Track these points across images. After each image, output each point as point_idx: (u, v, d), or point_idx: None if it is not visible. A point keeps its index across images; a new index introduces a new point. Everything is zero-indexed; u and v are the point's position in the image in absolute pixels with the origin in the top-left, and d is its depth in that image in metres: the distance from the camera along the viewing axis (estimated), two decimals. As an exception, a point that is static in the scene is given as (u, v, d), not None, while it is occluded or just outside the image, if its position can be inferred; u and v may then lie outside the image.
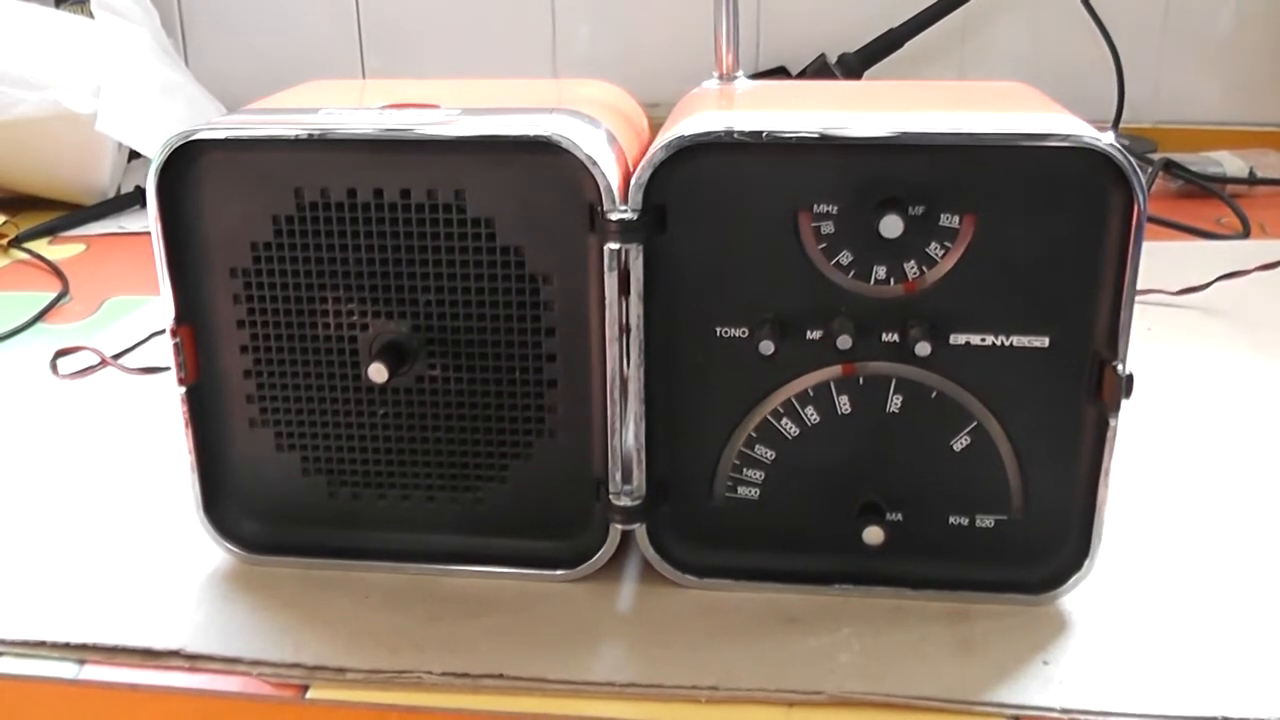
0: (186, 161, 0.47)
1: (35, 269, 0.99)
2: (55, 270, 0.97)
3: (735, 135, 0.44)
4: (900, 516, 0.48)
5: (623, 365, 0.47)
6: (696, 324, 0.47)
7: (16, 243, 1.04)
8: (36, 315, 0.85)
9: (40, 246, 1.04)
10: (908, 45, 1.23)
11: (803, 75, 1.26)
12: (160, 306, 0.48)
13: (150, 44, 1.19)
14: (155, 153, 0.46)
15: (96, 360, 0.75)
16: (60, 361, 0.75)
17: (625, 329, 0.46)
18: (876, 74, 1.25)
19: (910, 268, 0.45)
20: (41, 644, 0.47)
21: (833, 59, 1.25)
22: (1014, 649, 0.45)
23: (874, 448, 0.48)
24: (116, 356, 0.76)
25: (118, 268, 0.99)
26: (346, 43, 1.37)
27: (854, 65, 1.23)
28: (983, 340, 0.46)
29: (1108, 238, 0.43)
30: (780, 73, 1.29)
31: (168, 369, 0.49)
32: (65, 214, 1.12)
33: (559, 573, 0.50)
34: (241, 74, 1.37)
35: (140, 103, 1.12)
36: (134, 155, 1.21)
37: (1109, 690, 0.43)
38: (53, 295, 0.89)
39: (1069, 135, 0.42)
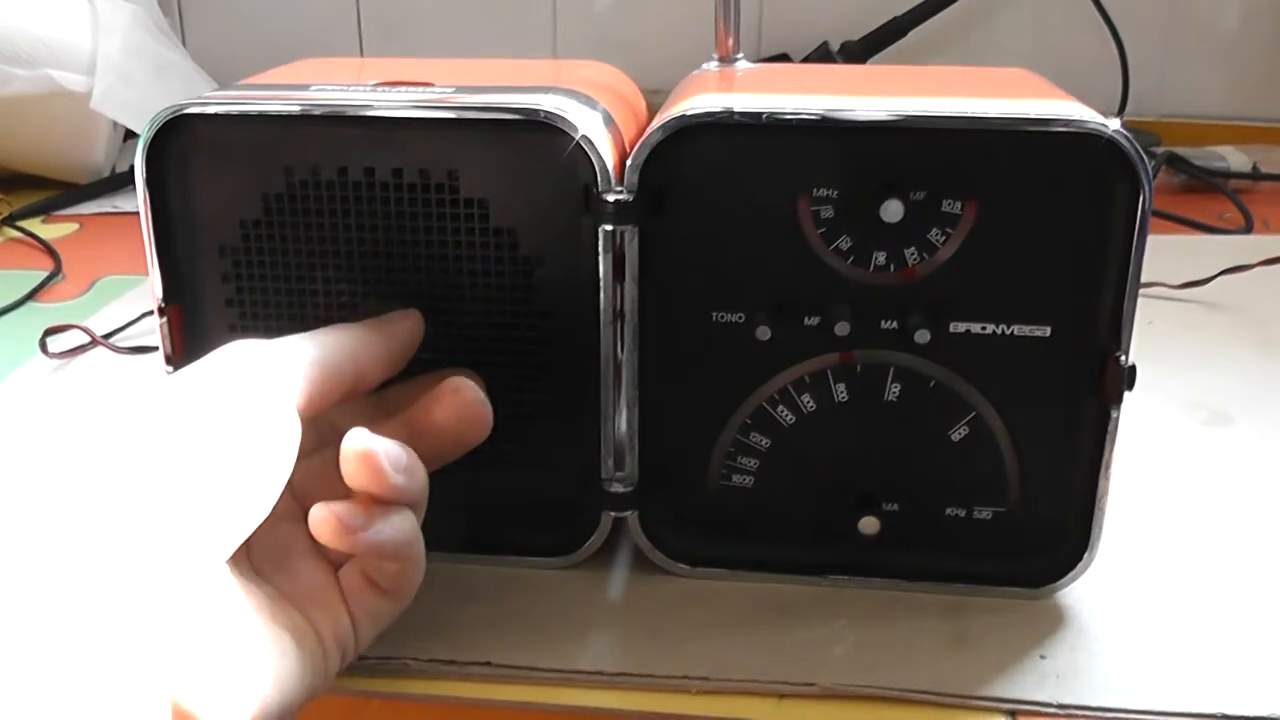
0: (175, 137, 0.46)
1: (28, 247, 0.98)
2: (48, 249, 0.96)
3: (734, 116, 0.43)
4: (896, 507, 0.48)
5: (616, 349, 0.46)
6: (692, 308, 0.46)
7: (9, 221, 1.03)
8: (28, 294, 0.85)
9: (33, 225, 1.03)
10: (911, 35, 1.22)
11: (805, 63, 1.25)
12: (149, 285, 0.48)
13: (146, 22, 1.18)
14: (143, 128, 0.45)
15: (86, 339, 0.74)
16: (50, 340, 0.74)
17: (619, 313, 0.46)
18: (879, 63, 1.24)
19: (911, 254, 0.44)
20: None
21: (835, 47, 1.24)
22: (1011, 643, 0.45)
23: (871, 437, 0.47)
24: (107, 336, 0.75)
25: (111, 247, 0.98)
26: (345, 22, 1.36)
27: (857, 53, 1.22)
28: (983, 329, 0.45)
29: (1112, 226, 0.43)
30: (782, 60, 1.28)
31: (158, 349, 0.48)
32: (59, 193, 1.10)
33: (549, 560, 0.50)
34: (238, 53, 1.36)
35: (136, 81, 1.12)
36: (129, 134, 1.20)
37: (1107, 686, 0.43)
38: (45, 274, 0.89)
39: (1075, 121, 0.41)
